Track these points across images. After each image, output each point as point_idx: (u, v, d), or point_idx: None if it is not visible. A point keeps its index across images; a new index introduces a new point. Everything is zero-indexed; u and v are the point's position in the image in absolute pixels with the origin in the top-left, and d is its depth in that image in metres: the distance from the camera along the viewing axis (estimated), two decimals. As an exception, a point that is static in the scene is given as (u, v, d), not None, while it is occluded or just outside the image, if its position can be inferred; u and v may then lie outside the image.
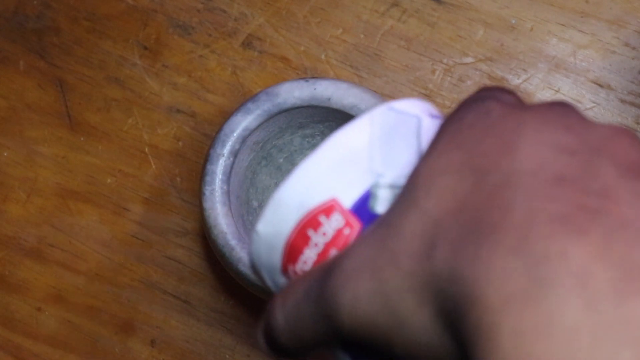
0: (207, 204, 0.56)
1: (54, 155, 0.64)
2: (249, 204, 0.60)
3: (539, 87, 0.62)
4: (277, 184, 0.61)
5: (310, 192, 0.32)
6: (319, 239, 0.32)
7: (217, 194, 0.56)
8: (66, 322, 0.63)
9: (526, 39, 0.63)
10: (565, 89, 0.62)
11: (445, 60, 0.63)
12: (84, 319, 0.63)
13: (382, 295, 0.29)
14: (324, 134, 0.60)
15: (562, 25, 0.63)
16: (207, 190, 0.56)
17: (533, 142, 0.29)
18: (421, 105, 0.33)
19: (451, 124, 0.31)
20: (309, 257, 0.32)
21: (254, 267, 0.35)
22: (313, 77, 0.57)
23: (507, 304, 0.26)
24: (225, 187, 0.56)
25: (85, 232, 0.63)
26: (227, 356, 0.62)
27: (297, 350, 0.32)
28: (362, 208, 0.31)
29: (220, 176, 0.56)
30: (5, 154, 0.65)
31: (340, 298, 0.30)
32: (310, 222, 0.32)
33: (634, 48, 0.62)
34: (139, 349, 0.62)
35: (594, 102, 0.62)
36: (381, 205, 0.31)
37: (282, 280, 0.34)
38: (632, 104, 0.62)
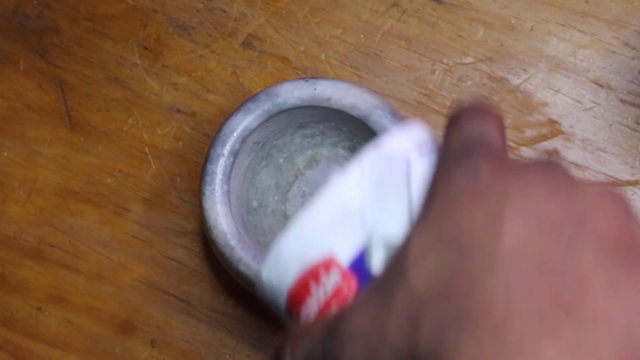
0: (207, 204, 0.56)
1: (54, 155, 0.64)
2: (249, 204, 0.60)
3: (539, 87, 0.62)
4: (277, 184, 0.61)
5: (309, 248, 0.34)
6: (320, 293, 0.34)
7: (217, 194, 0.56)
8: (66, 322, 0.63)
9: (526, 39, 0.63)
10: (565, 89, 0.62)
11: (445, 60, 0.63)
12: (84, 319, 0.63)
13: None
14: (324, 134, 0.60)
15: (562, 25, 0.63)
16: (207, 190, 0.56)
17: (517, 215, 0.30)
18: (410, 138, 0.35)
19: (441, 183, 0.32)
20: (311, 307, 0.34)
21: (262, 300, 0.37)
22: (313, 77, 0.57)
23: None
24: (225, 187, 0.56)
25: (85, 232, 0.63)
26: (227, 356, 0.62)
27: None
28: (359, 265, 0.33)
29: (220, 176, 0.56)
30: (5, 154, 0.65)
31: None
32: (311, 275, 0.34)
33: (634, 48, 0.63)
34: (139, 349, 0.62)
35: (594, 102, 0.62)
36: (376, 263, 0.33)
37: (287, 318, 0.36)
38: (632, 104, 0.62)
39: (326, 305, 0.34)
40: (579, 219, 0.31)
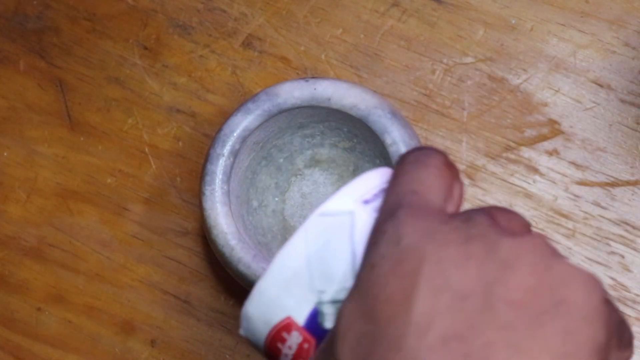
0: (207, 204, 0.56)
1: (54, 155, 0.64)
2: (249, 204, 0.60)
3: (539, 87, 0.63)
4: (277, 184, 0.61)
5: (270, 312, 0.37)
6: (287, 351, 0.37)
7: (217, 194, 0.56)
8: (66, 322, 0.63)
9: (526, 39, 0.63)
10: (565, 89, 0.62)
11: (445, 60, 0.63)
12: (84, 319, 0.63)
13: None
14: (324, 134, 0.60)
15: (562, 25, 0.63)
16: (207, 190, 0.56)
17: (428, 289, 0.32)
18: (354, 192, 0.37)
19: (370, 251, 0.34)
20: None
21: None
22: (313, 77, 0.57)
23: None
24: (225, 187, 0.56)
25: (85, 232, 0.64)
26: (227, 356, 0.62)
27: None
28: (314, 324, 0.36)
29: (220, 176, 0.56)
30: (5, 154, 0.65)
31: None
32: (276, 336, 0.37)
33: (634, 48, 0.63)
34: (139, 349, 0.62)
35: (594, 102, 0.62)
36: (328, 321, 0.36)
37: None
38: (632, 104, 0.62)
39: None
40: (490, 285, 0.32)
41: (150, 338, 0.63)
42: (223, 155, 0.57)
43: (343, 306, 0.34)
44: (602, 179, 0.62)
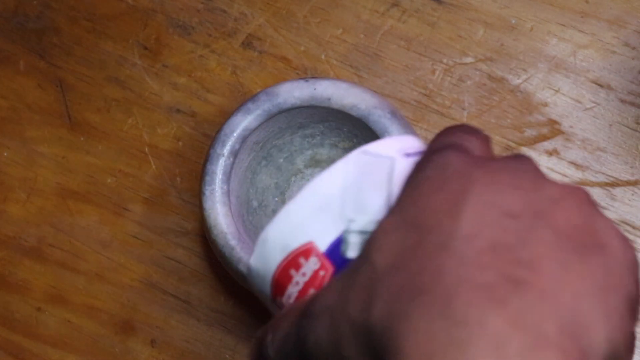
0: (207, 204, 0.56)
1: (54, 155, 0.64)
2: (249, 204, 0.60)
3: (539, 87, 0.63)
4: (277, 184, 0.61)
5: (292, 235, 0.36)
6: (299, 278, 0.36)
7: (217, 194, 0.56)
8: (66, 322, 0.63)
9: (526, 39, 0.63)
10: (565, 89, 0.62)
11: (445, 60, 0.63)
12: (84, 319, 0.63)
13: (335, 340, 0.32)
14: (324, 134, 0.60)
15: (562, 25, 0.63)
16: (207, 190, 0.56)
17: (478, 203, 0.32)
18: (397, 144, 0.37)
19: (414, 176, 0.34)
20: (292, 293, 0.36)
21: (253, 292, 0.39)
22: (313, 77, 0.57)
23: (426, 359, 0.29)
24: (225, 187, 0.56)
25: (85, 232, 0.64)
26: (227, 356, 0.62)
27: None
28: (335, 252, 0.36)
29: (220, 176, 0.56)
30: (5, 154, 0.65)
31: (308, 341, 0.33)
32: (292, 262, 0.36)
33: (634, 48, 0.63)
34: (139, 349, 0.62)
35: (594, 102, 0.62)
36: (352, 250, 0.35)
37: (273, 307, 0.38)
38: (632, 104, 0.62)
39: (305, 289, 0.36)
40: (538, 212, 0.32)
41: (150, 338, 0.63)
42: (223, 155, 0.57)
43: (381, 221, 0.33)
44: (602, 179, 0.62)
